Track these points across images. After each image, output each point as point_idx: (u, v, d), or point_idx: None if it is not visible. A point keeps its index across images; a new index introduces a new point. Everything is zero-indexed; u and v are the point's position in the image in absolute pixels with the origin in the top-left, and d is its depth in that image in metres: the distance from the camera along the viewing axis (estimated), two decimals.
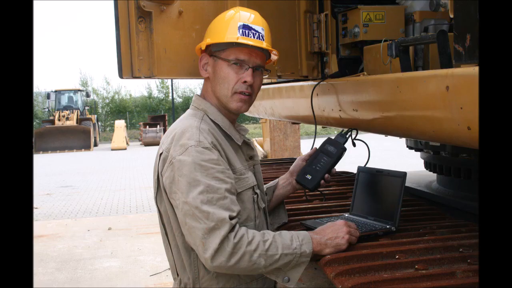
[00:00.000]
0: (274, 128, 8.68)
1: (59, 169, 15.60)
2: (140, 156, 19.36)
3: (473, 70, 1.31)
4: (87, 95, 27.95)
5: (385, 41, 1.91)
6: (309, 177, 1.97)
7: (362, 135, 2.09)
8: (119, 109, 34.03)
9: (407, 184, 2.37)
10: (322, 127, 2.90)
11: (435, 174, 2.78)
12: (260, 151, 9.25)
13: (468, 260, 1.55)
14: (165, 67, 1.95)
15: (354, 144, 2.08)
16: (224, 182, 1.57)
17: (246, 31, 1.68)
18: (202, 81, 1.84)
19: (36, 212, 8.82)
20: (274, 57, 1.83)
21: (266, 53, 1.76)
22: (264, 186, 1.94)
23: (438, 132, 1.59)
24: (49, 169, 15.50)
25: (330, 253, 1.62)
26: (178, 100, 34.48)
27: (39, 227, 7.52)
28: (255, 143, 9.36)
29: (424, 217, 2.09)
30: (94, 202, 9.89)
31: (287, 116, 3.14)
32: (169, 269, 2.09)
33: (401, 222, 1.90)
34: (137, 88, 75.82)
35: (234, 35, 1.67)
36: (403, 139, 2.80)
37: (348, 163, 3.07)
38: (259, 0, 2.05)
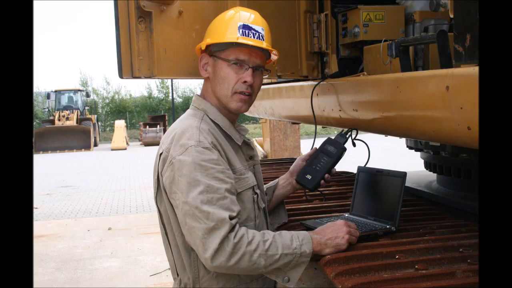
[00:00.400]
0: (274, 128, 8.68)
1: (59, 169, 15.60)
2: (140, 156, 19.36)
3: (473, 70, 1.31)
4: (87, 95, 27.94)
5: (385, 41, 1.91)
6: (309, 177, 1.97)
7: (362, 135, 2.09)
8: (119, 109, 34.03)
9: (407, 184, 2.37)
10: (322, 127, 2.90)
11: (435, 174, 2.78)
12: (260, 151, 9.25)
13: (468, 260, 1.55)
14: (165, 67, 1.95)
15: (354, 144, 2.08)
16: (224, 182, 1.57)
17: (246, 31, 1.68)
18: (202, 81, 1.84)
19: (36, 212, 8.82)
20: (274, 57, 1.82)
21: (266, 53, 1.76)
22: (264, 186, 1.94)
23: (438, 132, 1.59)
24: (49, 169, 15.50)
25: (330, 253, 1.62)
26: (178, 100, 34.48)
27: (39, 227, 7.52)
28: (255, 143, 9.36)
29: (424, 217, 2.09)
30: (94, 202, 9.89)
31: (287, 116, 3.14)
32: (169, 269, 2.09)
33: (401, 222, 1.90)
34: (137, 88, 75.94)
35: (234, 35, 1.67)
36: (403, 139, 2.80)
37: (348, 163, 3.07)
38: (259, 0, 2.05)
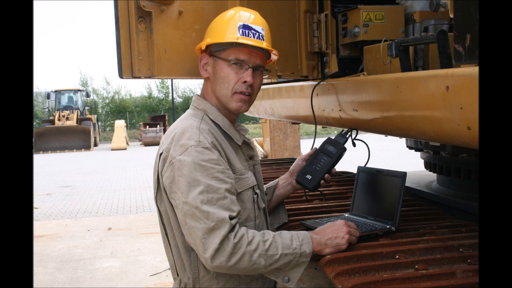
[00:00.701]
0: (274, 128, 8.68)
1: (59, 169, 15.60)
2: (140, 156, 19.36)
3: (473, 70, 1.31)
4: (87, 95, 27.96)
5: (385, 41, 1.91)
6: (309, 177, 1.97)
7: (362, 135, 2.09)
8: (119, 109, 34.03)
9: (407, 184, 2.38)
10: (322, 127, 2.90)
11: (435, 174, 2.78)
12: (260, 151, 9.25)
13: (468, 260, 1.55)
14: (165, 67, 1.95)
15: (354, 144, 2.08)
16: (224, 182, 1.57)
17: (246, 31, 1.68)
18: (202, 81, 1.84)
19: (36, 212, 8.82)
20: (274, 57, 1.83)
21: (266, 53, 1.76)
22: (264, 186, 1.94)
23: (438, 132, 1.59)
24: (49, 169, 15.49)
25: (330, 253, 1.62)
26: (178, 100, 34.48)
27: (39, 227, 7.52)
28: (255, 143, 9.36)
29: (424, 217, 2.09)
30: (94, 202, 9.89)
31: (287, 116, 3.14)
32: (169, 269, 2.09)
33: (401, 222, 1.90)
34: (137, 88, 75.83)
35: (234, 35, 1.67)
36: (403, 139, 2.80)
37: (348, 163, 3.08)
38: (259, 0, 2.05)
